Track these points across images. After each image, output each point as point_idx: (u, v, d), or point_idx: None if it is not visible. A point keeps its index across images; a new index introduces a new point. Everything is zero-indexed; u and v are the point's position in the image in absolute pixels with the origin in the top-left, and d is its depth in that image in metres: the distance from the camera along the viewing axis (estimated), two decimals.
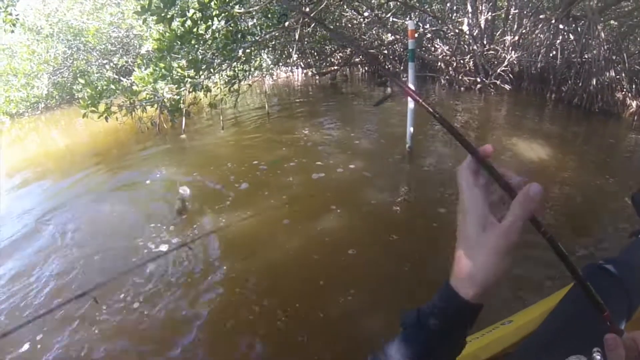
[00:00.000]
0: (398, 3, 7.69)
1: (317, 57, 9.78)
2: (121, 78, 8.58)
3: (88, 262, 2.69)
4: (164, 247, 2.74)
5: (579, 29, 6.28)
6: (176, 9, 3.49)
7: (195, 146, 5.18)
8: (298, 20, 4.34)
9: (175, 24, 3.69)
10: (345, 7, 7.85)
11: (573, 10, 6.14)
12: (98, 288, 2.34)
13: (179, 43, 3.89)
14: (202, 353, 1.91)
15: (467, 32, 7.93)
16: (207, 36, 4.14)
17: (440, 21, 8.31)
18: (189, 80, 4.52)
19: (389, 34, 9.08)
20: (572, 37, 6.54)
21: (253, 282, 2.37)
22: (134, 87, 4.67)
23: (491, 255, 0.47)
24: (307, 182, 3.62)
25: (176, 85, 4.53)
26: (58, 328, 2.10)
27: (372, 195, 3.29)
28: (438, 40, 8.53)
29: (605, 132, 5.27)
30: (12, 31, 6.83)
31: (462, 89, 7.74)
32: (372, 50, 8.85)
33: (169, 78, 4.38)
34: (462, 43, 8.06)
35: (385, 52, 9.37)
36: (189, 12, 3.69)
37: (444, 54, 8.30)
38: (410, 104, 3.72)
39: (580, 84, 6.12)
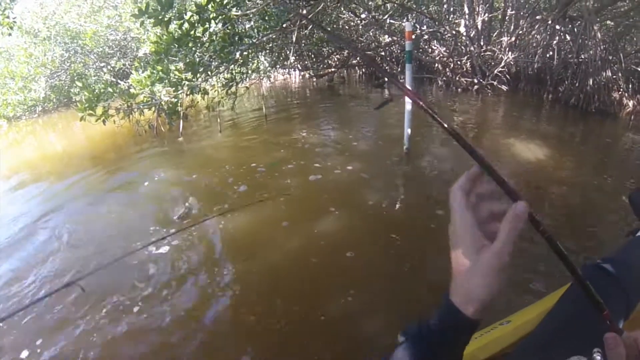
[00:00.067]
0: (395, 5, 7.71)
1: (314, 59, 9.79)
2: (119, 81, 8.56)
3: (86, 263, 2.68)
4: (163, 249, 2.74)
5: (575, 29, 6.31)
6: (173, 11, 3.49)
7: (193, 149, 5.18)
8: (295, 23, 4.34)
9: (173, 26, 3.69)
10: (342, 9, 7.85)
11: (569, 10, 6.17)
12: (97, 290, 2.35)
13: (177, 46, 3.89)
14: (201, 354, 1.91)
15: (464, 34, 7.95)
16: (205, 39, 4.14)
17: (437, 23, 8.33)
18: (187, 83, 4.52)
19: (386, 36, 9.10)
20: (568, 37, 6.57)
21: (253, 284, 2.37)
22: (132, 90, 4.67)
23: (486, 275, 0.49)
24: (305, 184, 3.62)
25: (174, 88, 4.53)
26: (54, 329, 2.10)
27: (370, 197, 3.29)
28: (435, 41, 8.55)
29: (602, 131, 5.28)
30: (10, 34, 6.83)
31: (459, 90, 7.75)
32: (369, 52, 8.86)
33: (167, 81, 4.38)
34: (459, 44, 8.08)
35: (383, 53, 9.38)
36: (186, 14, 3.69)
37: (441, 55, 8.32)
38: (408, 106, 3.73)
39: (577, 84, 6.14)
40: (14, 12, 6.94)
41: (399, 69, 8.88)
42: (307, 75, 10.53)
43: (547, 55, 7.08)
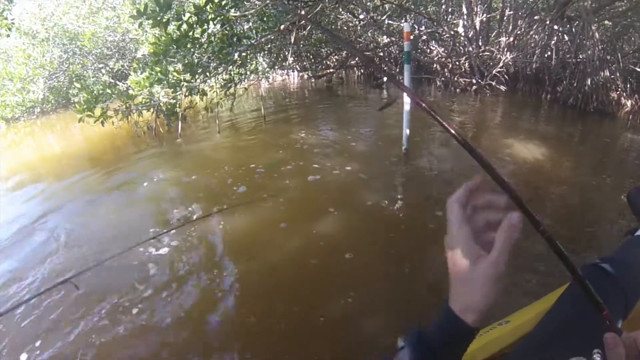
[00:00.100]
0: (393, 5, 7.71)
1: (312, 60, 9.79)
2: (117, 82, 8.56)
3: (85, 263, 2.67)
4: (163, 251, 2.73)
5: (573, 29, 6.32)
6: (172, 12, 3.49)
7: (192, 150, 5.18)
8: (294, 24, 4.35)
9: (171, 27, 3.69)
10: (340, 9, 7.86)
11: (567, 11, 6.18)
12: (96, 291, 2.35)
13: (175, 47, 3.89)
14: (201, 355, 1.90)
15: (462, 34, 7.96)
16: (203, 40, 4.13)
17: (435, 23, 8.34)
18: (185, 84, 4.52)
19: (385, 37, 9.10)
20: (566, 37, 6.58)
21: (253, 285, 2.37)
22: (130, 91, 4.66)
23: (484, 285, 0.51)
24: (303, 184, 3.62)
25: (172, 89, 4.52)
26: (53, 330, 2.09)
27: (369, 197, 3.29)
28: (433, 42, 8.56)
29: (600, 131, 5.29)
30: (8, 35, 6.79)
31: (457, 90, 7.76)
32: (367, 53, 8.86)
33: (165, 82, 4.38)
34: (457, 45, 8.08)
35: (381, 54, 9.39)
36: (184, 15, 3.69)
37: (440, 55, 8.32)
38: (406, 107, 3.73)
39: (575, 84, 6.15)
40: (12, 13, 6.91)
41: (398, 70, 8.89)
42: (305, 76, 10.54)
43: (546, 56, 7.10)
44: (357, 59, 9.35)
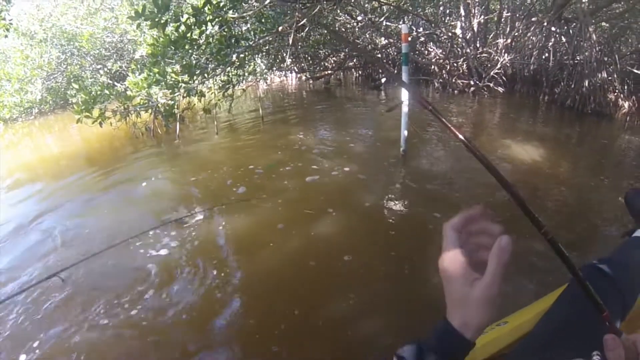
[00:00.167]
0: (391, 7, 7.73)
1: (310, 62, 9.80)
2: (115, 83, 8.55)
3: (83, 263, 2.66)
4: (162, 251, 2.73)
5: (570, 31, 6.34)
6: (170, 14, 3.48)
7: (190, 151, 5.17)
8: (292, 25, 4.34)
9: (169, 29, 3.68)
10: (338, 11, 7.87)
11: (565, 12, 6.20)
12: (94, 291, 2.34)
13: (173, 48, 3.88)
14: (200, 355, 1.90)
15: (460, 36, 7.98)
16: (201, 41, 4.13)
17: (433, 25, 8.36)
18: (183, 85, 4.51)
19: (383, 38, 9.13)
20: (564, 39, 6.61)
21: (252, 286, 2.36)
22: (128, 92, 4.65)
23: (480, 305, 0.54)
24: (302, 185, 3.62)
25: (170, 91, 4.51)
26: (53, 330, 2.09)
27: (367, 198, 3.30)
28: (431, 43, 8.58)
29: (598, 133, 5.31)
30: (6, 36, 6.79)
31: (455, 92, 7.78)
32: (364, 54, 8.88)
33: (163, 83, 4.37)
34: (455, 46, 8.11)
35: (379, 55, 9.41)
36: (182, 17, 3.69)
37: (438, 57, 8.35)
38: (405, 108, 3.73)
39: (572, 86, 6.18)
40: (10, 14, 6.90)
41: (396, 71, 8.90)
42: (303, 78, 10.55)
43: (543, 57, 7.12)
44: (355, 60, 9.37)
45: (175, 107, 4.89)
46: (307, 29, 5.39)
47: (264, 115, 6.34)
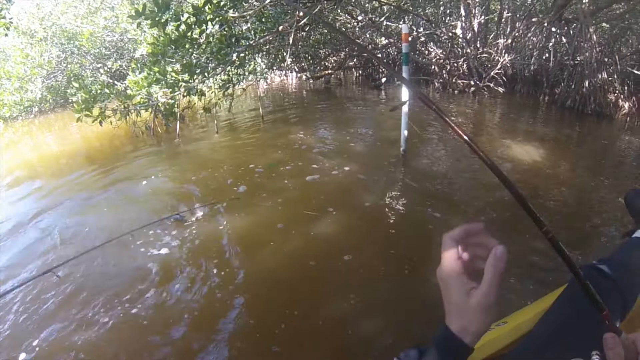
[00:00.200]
0: (392, 7, 7.73)
1: (311, 61, 9.80)
2: (115, 82, 8.54)
3: (77, 260, 2.66)
4: (163, 250, 2.73)
5: (571, 31, 6.35)
6: (170, 13, 3.48)
7: (190, 149, 5.17)
8: (292, 24, 4.34)
9: (170, 28, 3.68)
10: (339, 11, 7.87)
11: (565, 13, 6.20)
12: (94, 290, 2.34)
13: (173, 47, 3.88)
14: (200, 355, 1.90)
15: (461, 36, 7.98)
16: (202, 40, 4.13)
17: (433, 25, 8.36)
18: (183, 84, 4.51)
19: (383, 38, 9.13)
20: (564, 39, 6.61)
21: (252, 286, 2.36)
22: (128, 91, 4.65)
23: (478, 313, 0.55)
24: (302, 184, 3.62)
25: (170, 90, 4.51)
26: (52, 330, 2.09)
27: (367, 198, 3.30)
28: (432, 43, 8.58)
29: (598, 133, 5.31)
30: (6, 34, 6.77)
31: (456, 92, 7.78)
32: (365, 54, 8.88)
33: (163, 82, 4.37)
34: (455, 46, 8.11)
35: (379, 55, 9.41)
36: (183, 16, 3.68)
37: (438, 57, 8.35)
38: (405, 108, 3.73)
39: (572, 86, 6.18)
40: (10, 13, 6.90)
41: (396, 71, 8.89)
42: (304, 77, 10.55)
43: (543, 57, 7.13)
44: (355, 60, 9.36)
45: (176, 106, 4.89)
46: (307, 28, 5.39)
47: (264, 114, 6.34)
